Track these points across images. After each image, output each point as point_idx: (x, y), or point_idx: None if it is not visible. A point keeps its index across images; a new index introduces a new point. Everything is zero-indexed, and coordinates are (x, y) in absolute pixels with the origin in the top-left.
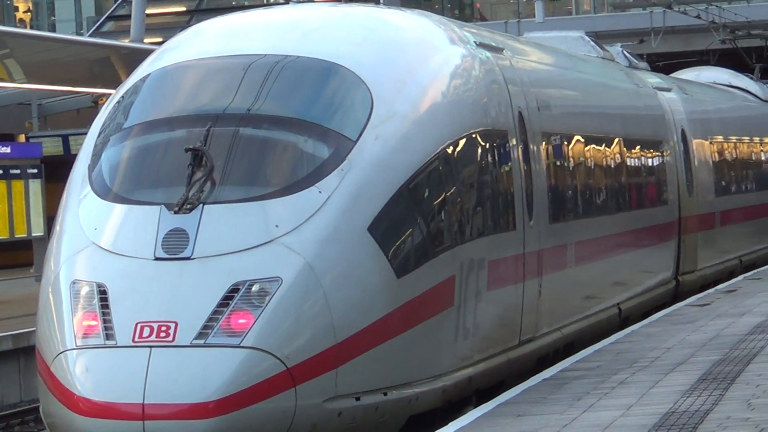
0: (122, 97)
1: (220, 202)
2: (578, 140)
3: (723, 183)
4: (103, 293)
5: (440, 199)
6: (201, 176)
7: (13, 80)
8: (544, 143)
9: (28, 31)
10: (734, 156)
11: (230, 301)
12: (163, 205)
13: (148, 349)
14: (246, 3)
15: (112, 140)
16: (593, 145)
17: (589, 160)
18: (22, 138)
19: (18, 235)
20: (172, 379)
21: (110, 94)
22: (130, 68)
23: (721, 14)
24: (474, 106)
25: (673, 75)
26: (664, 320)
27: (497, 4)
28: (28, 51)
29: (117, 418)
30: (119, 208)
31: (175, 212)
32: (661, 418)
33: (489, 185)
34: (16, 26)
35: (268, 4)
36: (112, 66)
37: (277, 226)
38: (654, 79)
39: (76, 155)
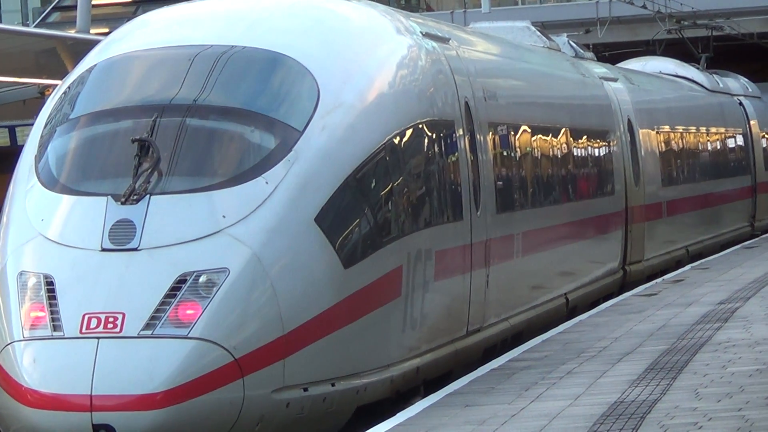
0: (68, 87)
1: (166, 192)
2: (525, 130)
3: (670, 173)
4: (50, 284)
5: (387, 189)
6: (148, 167)
7: None
8: (490, 133)
9: None
10: (681, 146)
11: (178, 292)
12: (109, 196)
13: (96, 340)
14: None
15: (58, 131)
16: (540, 135)
17: (535, 150)
18: None
19: None
20: (120, 370)
21: (56, 85)
22: (77, 59)
23: (667, 4)
24: (420, 96)
25: (619, 65)
26: (612, 310)
27: None
28: None
29: (65, 409)
30: (66, 199)
31: (122, 203)
32: (609, 407)
33: (436, 175)
34: None
35: None
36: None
37: (224, 216)
38: (600, 69)
39: (22, 146)
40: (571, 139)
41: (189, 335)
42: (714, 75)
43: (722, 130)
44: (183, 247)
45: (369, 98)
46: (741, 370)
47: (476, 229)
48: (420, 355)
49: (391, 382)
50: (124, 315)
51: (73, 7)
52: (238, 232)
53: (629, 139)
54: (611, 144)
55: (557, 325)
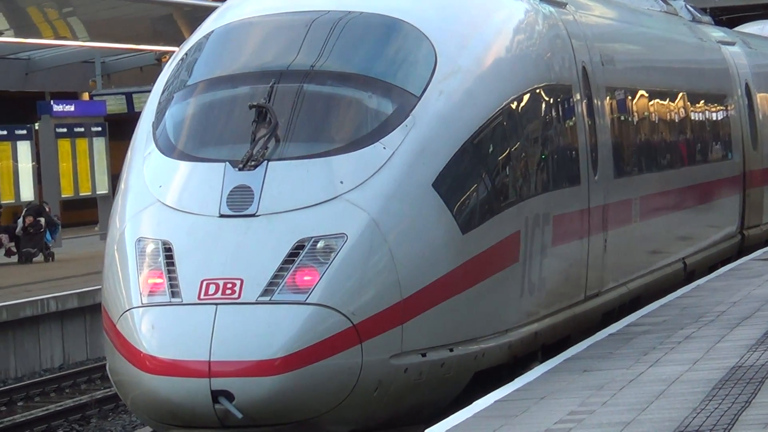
0: (186, 54)
1: (284, 158)
2: (642, 95)
3: None
4: (168, 251)
5: (504, 154)
6: (265, 133)
7: (76, 38)
8: (608, 98)
9: None
10: None
11: (295, 258)
12: (227, 162)
13: (214, 306)
14: None
15: (175, 98)
16: (657, 100)
17: (653, 115)
18: (85, 96)
19: (83, 193)
20: (238, 336)
21: (173, 52)
22: (194, 26)
23: None
24: (537, 61)
25: (736, 29)
26: (730, 274)
27: None
28: (92, 9)
29: (183, 375)
30: (184, 166)
31: (240, 169)
32: (727, 372)
33: (553, 140)
34: None
35: None
36: (175, 23)
37: (341, 182)
38: (717, 33)
39: (139, 113)
40: (689, 103)
41: (307, 301)
42: None
43: None
44: (301, 213)
45: (486, 63)
46: None
47: (594, 194)
48: (538, 320)
49: (509, 347)
50: (242, 281)
51: None
52: (356, 197)
53: (747, 103)
54: (729, 108)
55: (675, 290)
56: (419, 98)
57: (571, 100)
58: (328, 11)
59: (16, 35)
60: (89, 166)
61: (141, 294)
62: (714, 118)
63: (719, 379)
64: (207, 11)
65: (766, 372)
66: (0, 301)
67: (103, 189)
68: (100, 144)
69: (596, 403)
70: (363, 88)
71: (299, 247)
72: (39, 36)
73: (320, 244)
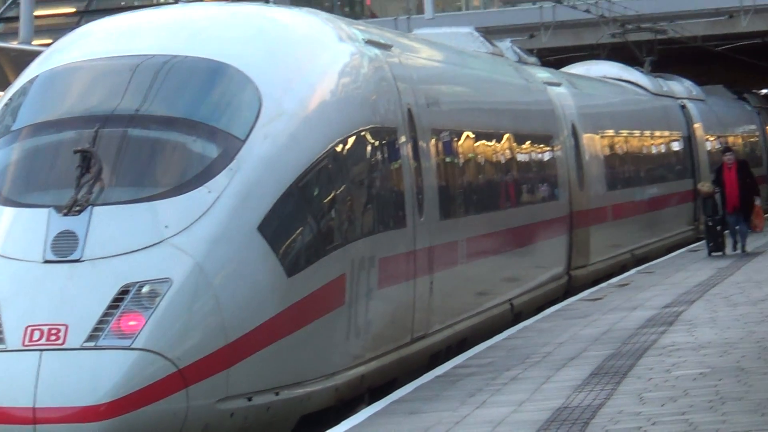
0: (10, 99)
1: (109, 203)
2: (468, 136)
3: (614, 177)
4: None
5: (330, 197)
6: (90, 178)
7: None
8: (433, 140)
9: None
10: (625, 150)
11: (120, 303)
12: (52, 208)
13: (39, 352)
14: (136, 3)
15: (0, 143)
16: (483, 141)
17: (479, 156)
18: None
19: None
20: (63, 382)
21: None
22: (19, 70)
23: (610, 8)
24: (363, 103)
25: (563, 69)
26: (557, 315)
27: (387, 1)
28: None
29: (8, 422)
30: (8, 211)
31: (65, 214)
32: (553, 413)
33: (379, 183)
34: None
35: (158, 4)
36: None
37: (166, 226)
38: (544, 74)
39: None
40: (515, 144)
41: (132, 346)
42: (658, 78)
43: (666, 133)
44: (126, 258)
45: (311, 106)
46: (685, 373)
47: (420, 236)
48: (364, 362)
49: (336, 390)
50: (67, 327)
51: (16, 18)
52: (181, 241)
53: (573, 143)
54: (555, 149)
55: (502, 331)
56: (244, 142)
57: (397, 142)
58: (153, 55)
59: None
60: None
61: None
62: (540, 159)
63: (545, 420)
64: (33, 56)
65: (592, 413)
66: None
67: None
68: None
69: None
70: (188, 132)
71: (124, 292)
72: None
73: (145, 289)
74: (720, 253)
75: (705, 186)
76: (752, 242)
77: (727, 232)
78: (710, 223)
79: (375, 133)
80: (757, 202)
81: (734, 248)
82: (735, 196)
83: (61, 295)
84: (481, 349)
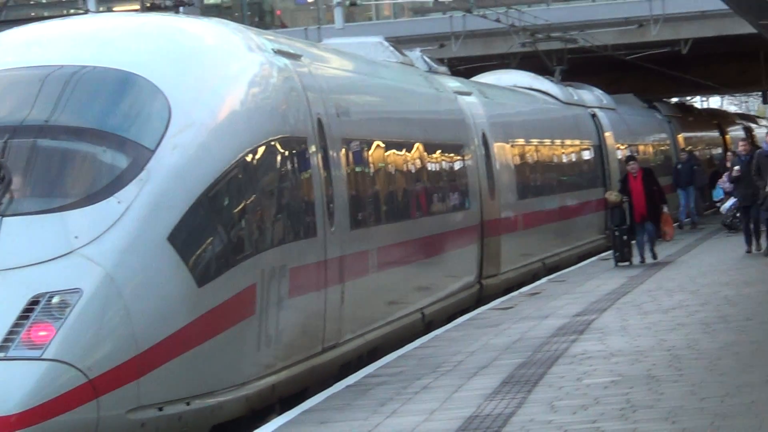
0: None
1: (18, 214)
2: (378, 146)
3: (525, 186)
4: None
5: (240, 207)
6: None
7: None
8: (344, 149)
9: None
10: (536, 159)
11: (31, 314)
12: None
13: None
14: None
15: None
16: (394, 151)
17: (389, 165)
18: None
19: None
20: None
21: None
22: None
23: (520, 17)
24: (272, 113)
25: (473, 79)
26: (468, 324)
27: (297, 10)
28: None
29: None
30: None
31: None
32: (464, 422)
33: (289, 192)
34: None
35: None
36: None
37: (76, 237)
38: (454, 83)
39: None
40: (425, 153)
41: (42, 357)
42: (568, 87)
43: (577, 142)
44: (36, 269)
45: (220, 116)
46: (596, 382)
47: (330, 246)
48: (275, 372)
49: (247, 400)
50: None
51: None
52: (91, 252)
53: (484, 152)
54: (466, 158)
55: (414, 340)
56: (153, 152)
57: (307, 152)
58: (63, 66)
59: None
60: None
61: None
62: (451, 169)
63: (456, 428)
64: None
65: (503, 421)
66: None
67: None
68: None
69: None
70: (97, 143)
71: (34, 302)
72: None
73: (55, 300)
74: (627, 264)
75: (612, 195)
76: (662, 251)
77: (634, 242)
78: (617, 233)
79: (285, 143)
80: (665, 209)
81: (642, 260)
82: (642, 205)
83: None
84: (392, 359)
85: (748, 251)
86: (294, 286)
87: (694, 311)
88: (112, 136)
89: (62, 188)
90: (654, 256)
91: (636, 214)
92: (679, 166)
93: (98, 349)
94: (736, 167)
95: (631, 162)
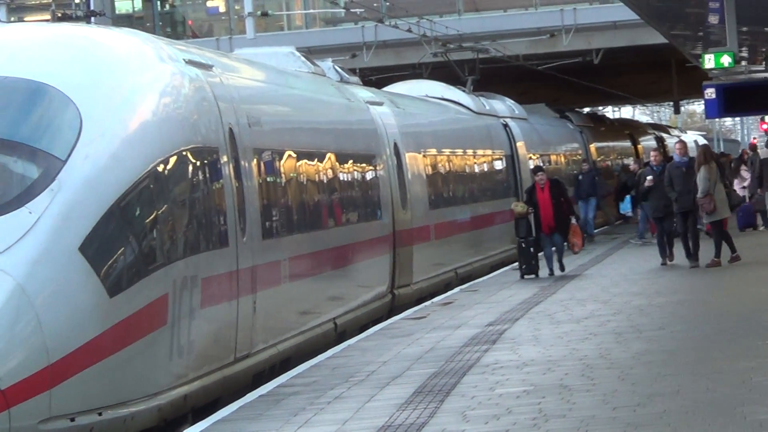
0: None
1: None
2: (290, 156)
3: (437, 196)
4: None
5: (152, 217)
6: None
7: None
8: (255, 159)
9: None
10: (448, 169)
11: None
12: None
13: None
14: None
15: None
16: (305, 161)
17: (301, 175)
18: None
19: None
20: None
21: None
22: None
23: (432, 28)
24: (183, 123)
25: (385, 89)
26: (380, 334)
27: (209, 21)
28: None
29: None
30: None
31: None
32: (377, 431)
33: (201, 202)
34: None
35: None
36: None
37: None
38: (366, 93)
39: None
40: (337, 163)
41: None
42: (480, 97)
43: (489, 152)
44: None
45: (132, 127)
46: (508, 391)
47: (242, 256)
48: (188, 382)
49: (159, 410)
50: None
51: None
52: (2, 262)
53: (396, 162)
54: (378, 168)
55: (326, 350)
56: (65, 162)
57: (219, 162)
58: None
59: None
60: None
61: None
62: (363, 179)
63: None
64: None
65: (416, 431)
66: None
67: None
68: None
69: None
70: (8, 153)
71: None
72: None
73: None
74: (533, 276)
75: (518, 207)
76: (573, 262)
77: (541, 254)
78: (523, 245)
79: (196, 153)
80: (573, 221)
81: (550, 272)
82: (550, 216)
83: None
84: (305, 368)
85: (663, 263)
86: (206, 296)
87: (606, 321)
88: (23, 147)
89: None
90: (561, 268)
91: (544, 225)
92: (581, 177)
93: (9, 359)
94: (649, 177)
95: (538, 173)
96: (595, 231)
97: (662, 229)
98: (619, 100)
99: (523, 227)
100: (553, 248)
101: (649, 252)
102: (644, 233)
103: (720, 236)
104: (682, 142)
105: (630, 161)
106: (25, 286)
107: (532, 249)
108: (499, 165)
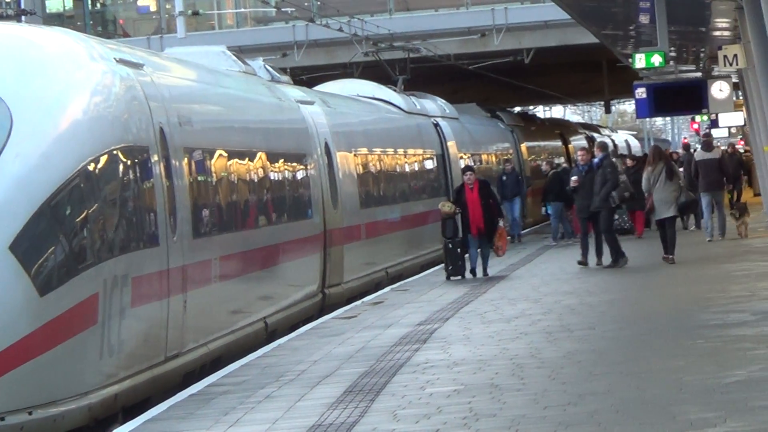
0: None
1: None
2: (221, 155)
3: (368, 195)
4: None
5: (82, 216)
6: None
7: None
8: (186, 158)
9: None
10: (379, 168)
11: None
12: None
13: None
14: None
15: None
16: (236, 160)
17: (232, 174)
18: None
19: None
20: None
21: None
22: None
23: (363, 27)
24: (114, 122)
25: (316, 88)
26: (311, 333)
27: (140, 20)
28: None
29: None
30: None
31: None
32: (307, 431)
33: (131, 201)
34: None
35: None
36: None
37: None
38: (297, 92)
39: None
40: (268, 163)
41: None
42: (411, 96)
43: (420, 151)
44: None
45: (62, 126)
46: (439, 390)
47: (173, 255)
48: (118, 381)
49: (89, 409)
50: None
51: None
52: None
53: (327, 162)
54: (308, 167)
55: (257, 350)
56: None
57: (149, 161)
58: None
59: None
60: None
61: None
62: (294, 178)
63: None
64: None
65: (346, 430)
66: None
67: None
68: None
69: None
70: None
71: None
72: None
73: None
74: (459, 277)
75: (445, 206)
76: (502, 261)
77: (467, 255)
78: (450, 246)
79: (127, 152)
80: (501, 223)
81: (474, 273)
82: (479, 217)
83: None
84: (235, 368)
85: (581, 262)
86: (136, 296)
87: (536, 320)
88: None
89: None
90: (485, 272)
91: (472, 226)
92: (504, 178)
93: None
94: (573, 178)
95: (467, 172)
96: (522, 232)
97: (586, 228)
98: (550, 100)
99: (450, 227)
100: (479, 249)
101: (579, 252)
102: (556, 234)
103: (666, 234)
104: (584, 149)
105: (543, 163)
106: None
107: (458, 250)
108: (429, 164)
